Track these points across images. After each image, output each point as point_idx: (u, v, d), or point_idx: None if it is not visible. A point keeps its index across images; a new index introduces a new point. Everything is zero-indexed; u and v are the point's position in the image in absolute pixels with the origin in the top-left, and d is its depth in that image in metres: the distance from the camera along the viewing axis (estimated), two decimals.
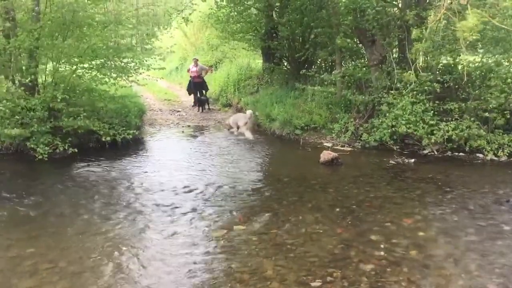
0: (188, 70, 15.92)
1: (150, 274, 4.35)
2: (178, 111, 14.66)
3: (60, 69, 9.28)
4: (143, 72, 10.15)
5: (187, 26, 16.06)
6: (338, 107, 10.89)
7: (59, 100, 8.52)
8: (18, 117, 8.30)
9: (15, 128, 8.08)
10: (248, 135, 10.85)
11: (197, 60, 15.99)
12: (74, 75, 9.27)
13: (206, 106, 14.99)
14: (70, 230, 5.39)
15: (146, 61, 10.30)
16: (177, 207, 6.10)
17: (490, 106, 8.82)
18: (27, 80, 8.43)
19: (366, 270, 4.39)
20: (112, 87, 9.86)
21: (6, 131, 8.05)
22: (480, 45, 10.02)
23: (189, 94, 15.97)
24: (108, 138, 9.19)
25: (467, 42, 7.36)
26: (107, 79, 9.69)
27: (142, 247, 4.96)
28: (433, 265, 4.50)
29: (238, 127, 11.43)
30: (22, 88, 8.33)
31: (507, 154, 8.61)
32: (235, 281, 4.20)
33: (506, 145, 8.71)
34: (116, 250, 4.84)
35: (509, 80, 8.93)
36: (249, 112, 11.69)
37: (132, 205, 6.22)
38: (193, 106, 15.43)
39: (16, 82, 8.47)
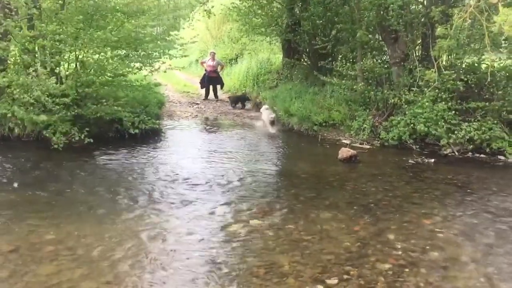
0: (203, 63, 15.92)
1: (166, 265, 4.36)
2: (197, 104, 14.72)
3: (84, 58, 9.36)
4: (164, 62, 10.21)
5: (209, 19, 16.07)
6: (358, 104, 10.80)
7: (86, 88, 8.65)
8: (45, 103, 8.31)
9: (41, 115, 8.18)
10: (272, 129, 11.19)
11: (215, 54, 15.99)
12: (97, 64, 9.34)
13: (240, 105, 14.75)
14: (89, 218, 5.45)
15: (168, 50, 10.38)
16: (194, 199, 6.12)
17: None
18: (54, 68, 8.54)
19: (383, 270, 4.34)
20: (134, 77, 9.93)
21: (34, 116, 8.15)
22: (506, 44, 9.81)
23: (202, 87, 15.98)
24: (137, 130, 9.30)
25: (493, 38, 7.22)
26: (129, 69, 9.76)
27: (159, 238, 4.98)
28: (452, 268, 4.44)
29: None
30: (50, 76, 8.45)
31: None
32: (251, 275, 4.20)
33: None
34: (134, 240, 4.87)
35: None
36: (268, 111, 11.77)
37: (149, 195, 6.26)
38: (203, 99, 15.43)
39: (41, 69, 8.55)
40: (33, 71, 8.43)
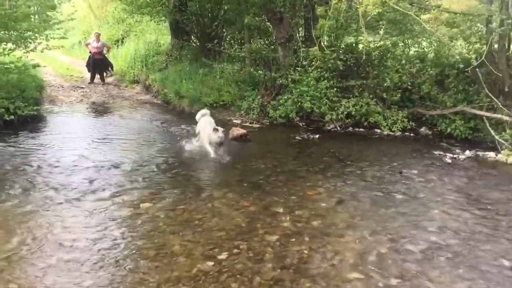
0: (87, 45, 15.18)
1: (51, 254, 4.16)
2: (82, 88, 13.98)
3: None
4: (40, 43, 9.49)
5: None
6: (247, 84, 11.01)
7: None
8: None
9: None
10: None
11: (100, 35, 15.29)
12: None
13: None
14: None
15: (45, 32, 9.66)
16: (80, 186, 5.86)
17: (386, 85, 9.41)
18: None
19: (271, 241, 4.55)
20: (6, 58, 9.11)
21: None
22: (380, 26, 10.57)
23: (89, 71, 15.24)
24: (12, 117, 8.62)
25: (368, 19, 7.77)
26: (1, 50, 8.93)
27: (42, 227, 4.70)
28: (332, 233, 4.78)
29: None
30: None
31: (401, 129, 9.26)
32: (140, 258, 4.16)
33: (400, 121, 9.35)
34: (14, 230, 4.56)
35: (403, 61, 9.58)
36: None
37: (31, 184, 5.87)
38: (89, 83, 14.76)
39: None
40: None
